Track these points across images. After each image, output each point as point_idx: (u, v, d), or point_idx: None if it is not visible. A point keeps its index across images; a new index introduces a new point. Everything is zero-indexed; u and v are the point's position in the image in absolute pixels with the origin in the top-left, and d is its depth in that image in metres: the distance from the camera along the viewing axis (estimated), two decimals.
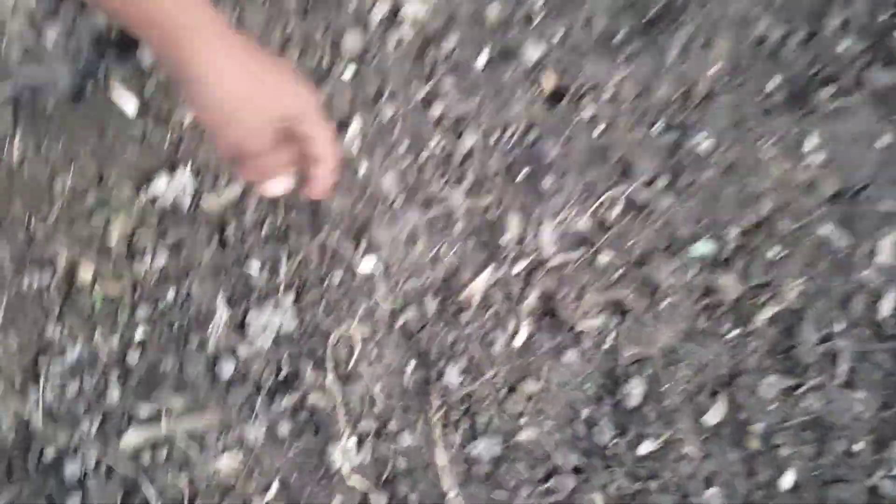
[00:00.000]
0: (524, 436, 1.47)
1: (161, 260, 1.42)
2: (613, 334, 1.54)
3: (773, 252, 1.53)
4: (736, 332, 1.54)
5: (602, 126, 1.61)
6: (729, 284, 1.54)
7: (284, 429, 1.37)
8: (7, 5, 1.38)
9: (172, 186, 1.46)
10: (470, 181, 1.61)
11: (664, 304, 1.55)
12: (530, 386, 1.48)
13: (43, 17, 1.46)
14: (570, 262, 1.57)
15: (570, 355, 1.51)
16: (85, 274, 1.40)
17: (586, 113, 1.59)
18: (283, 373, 1.41)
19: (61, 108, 1.44)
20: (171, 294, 1.41)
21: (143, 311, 1.39)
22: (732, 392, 1.51)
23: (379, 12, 1.59)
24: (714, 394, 1.52)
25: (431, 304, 1.52)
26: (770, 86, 1.61)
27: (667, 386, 1.51)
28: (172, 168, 1.48)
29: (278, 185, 0.96)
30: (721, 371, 1.53)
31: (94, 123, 1.46)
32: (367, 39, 1.58)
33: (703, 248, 1.57)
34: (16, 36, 1.41)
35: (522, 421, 1.48)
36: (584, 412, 1.50)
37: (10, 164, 1.39)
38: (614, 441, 1.48)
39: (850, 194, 1.55)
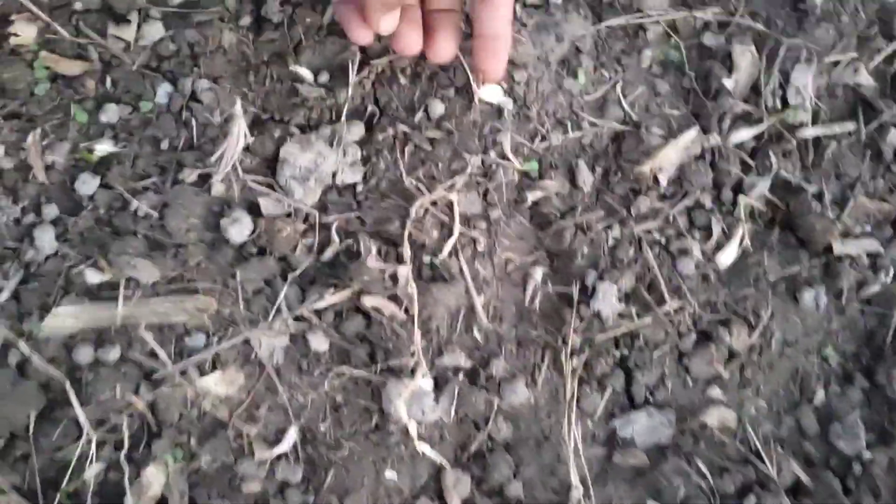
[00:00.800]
0: (714, 417, 0.97)
1: (156, 31, 0.86)
2: (891, 271, 0.94)
3: None
4: None
5: None
6: None
7: (321, 342, 0.89)
8: None
9: None
10: None
11: None
12: (737, 336, 1.02)
13: None
14: (834, 136, 0.97)
15: (812, 296, 0.99)
16: (25, 30, 0.84)
17: None
18: (331, 250, 0.98)
19: None
20: (164, 91, 0.86)
21: (113, 111, 0.85)
22: None
23: None
24: None
25: (588, 175, 0.95)
26: None
27: None
28: None
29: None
30: None
31: None
32: None
33: None
34: None
35: (714, 392, 0.99)
36: (820, 394, 1.00)
37: None
38: (868, 452, 0.97)
39: None
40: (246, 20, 1.01)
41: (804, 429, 1.01)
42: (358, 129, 1.01)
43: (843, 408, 1.01)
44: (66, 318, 0.92)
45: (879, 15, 1.05)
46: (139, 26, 0.98)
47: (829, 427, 1.00)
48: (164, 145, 0.98)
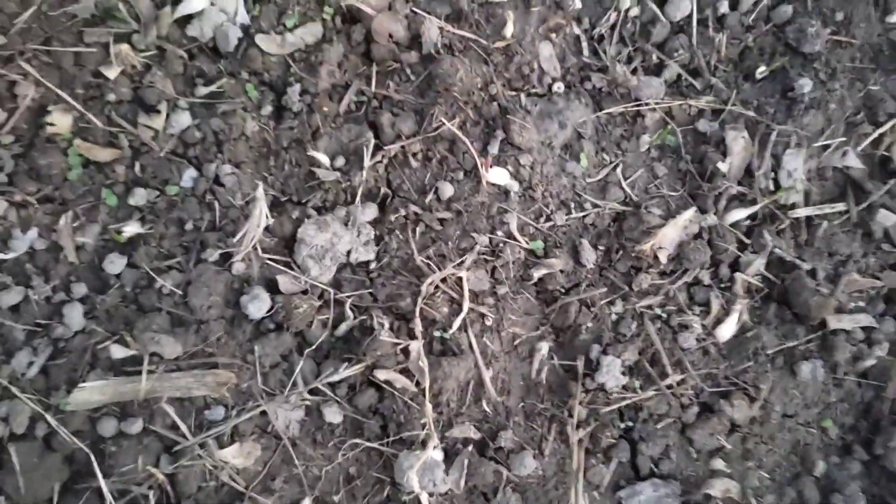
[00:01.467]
0: (718, 488, 1.02)
1: (183, 120, 0.96)
2: (885, 346, 1.07)
3: None
4: None
5: None
6: None
7: (335, 415, 0.96)
8: None
9: (215, 9, 0.99)
10: (675, 70, 1.11)
11: None
12: (738, 408, 1.06)
13: None
14: (825, 216, 1.06)
15: (809, 369, 1.05)
16: (60, 119, 0.94)
17: None
18: (345, 326, 1.05)
19: None
20: (189, 176, 0.96)
21: (141, 195, 0.95)
22: None
23: None
24: None
25: (590, 253, 1.03)
26: None
27: None
28: None
29: None
30: None
31: None
32: None
33: None
34: None
35: (717, 463, 1.02)
36: (820, 465, 1.02)
37: None
38: None
39: None
40: (267, 109, 1.10)
41: (806, 499, 1.05)
42: (371, 211, 1.09)
43: (843, 479, 1.06)
44: (91, 392, 0.99)
45: (866, 102, 1.14)
46: (168, 116, 1.07)
47: (830, 498, 1.05)
48: (189, 226, 1.06)
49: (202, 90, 1.10)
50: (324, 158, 1.09)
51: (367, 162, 1.08)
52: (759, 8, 1.16)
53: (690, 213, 1.09)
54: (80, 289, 1.03)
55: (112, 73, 1.07)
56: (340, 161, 1.10)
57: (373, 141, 1.10)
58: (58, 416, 0.98)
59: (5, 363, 0.99)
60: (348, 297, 1.06)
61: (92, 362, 1.01)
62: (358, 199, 1.08)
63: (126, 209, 1.06)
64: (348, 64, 1.13)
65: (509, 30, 1.14)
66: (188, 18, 1.09)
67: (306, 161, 1.10)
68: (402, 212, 1.09)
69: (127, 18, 1.07)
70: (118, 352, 1.01)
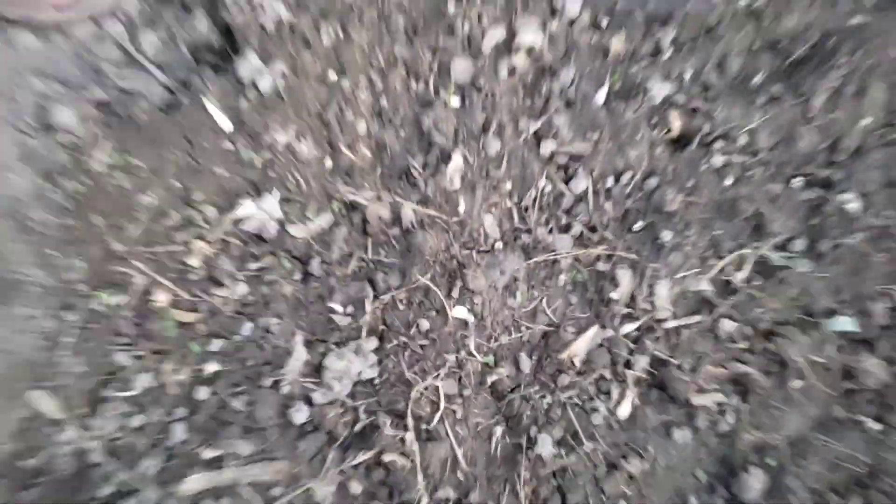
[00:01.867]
0: None
1: (241, 289, 1.46)
2: (733, 414, 1.50)
3: None
4: (879, 424, 1.47)
5: (733, 176, 1.58)
6: (872, 368, 1.48)
7: (356, 488, 1.37)
8: (105, 6, 1.46)
9: (259, 211, 1.50)
10: (579, 228, 1.60)
11: (795, 384, 1.50)
12: (633, 465, 1.46)
13: (141, 24, 1.53)
14: (687, 326, 1.54)
15: (681, 434, 1.48)
16: (161, 297, 1.44)
17: (716, 160, 1.58)
18: (360, 425, 1.44)
19: (154, 116, 1.50)
20: (247, 327, 1.44)
21: (216, 344, 1.43)
22: (870, 495, 1.44)
23: (492, 39, 1.61)
24: (847, 495, 1.45)
25: (527, 363, 1.51)
26: None
27: (793, 481, 1.46)
28: (260, 191, 1.52)
29: None
30: (858, 468, 1.46)
31: (186, 136, 1.51)
32: (478, 67, 1.60)
33: (844, 323, 1.52)
34: (113, 41, 1.49)
35: None
36: (693, 502, 1.44)
37: (95, 171, 1.45)
38: None
39: None
40: (298, 276, 1.61)
41: None
42: (373, 342, 1.60)
43: None
44: (193, 482, 1.48)
45: (712, 243, 1.64)
46: (231, 286, 1.59)
47: None
48: (250, 363, 1.57)
49: (252, 266, 1.62)
50: (338, 307, 1.60)
51: (368, 308, 1.59)
52: (633, 181, 1.68)
53: (595, 329, 1.59)
54: (180, 411, 1.54)
55: (193, 261, 1.59)
56: (350, 308, 1.61)
57: (371, 293, 1.61)
58: (171, 501, 1.48)
59: (134, 468, 1.49)
60: (361, 404, 1.56)
61: (192, 461, 1.51)
62: (363, 334, 1.59)
63: (207, 354, 1.57)
64: (351, 239, 1.65)
65: (462, 208, 1.66)
66: (242, 219, 1.61)
67: (326, 310, 1.61)
68: (395, 341, 1.59)
69: (201, 223, 1.60)
70: (208, 453, 1.50)
